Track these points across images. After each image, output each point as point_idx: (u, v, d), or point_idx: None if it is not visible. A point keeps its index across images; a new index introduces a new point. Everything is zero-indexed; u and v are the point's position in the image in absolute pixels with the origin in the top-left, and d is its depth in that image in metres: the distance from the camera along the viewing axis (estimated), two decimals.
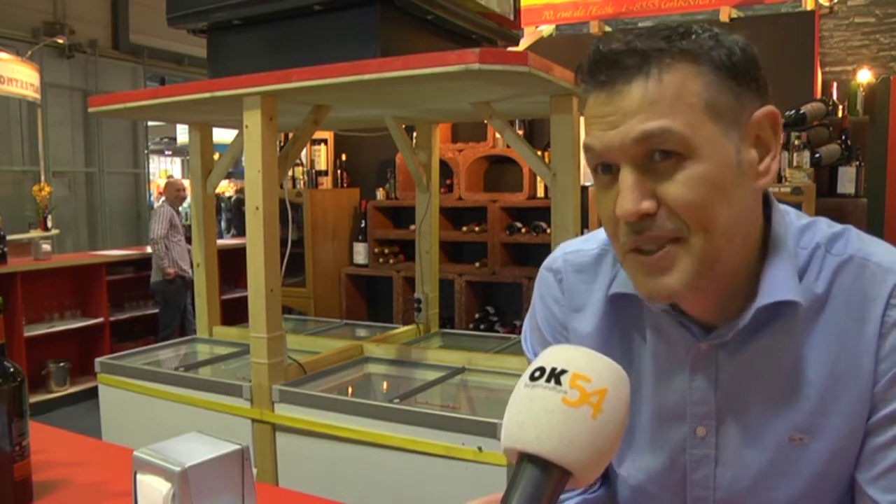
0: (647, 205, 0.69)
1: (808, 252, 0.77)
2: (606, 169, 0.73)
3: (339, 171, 4.94)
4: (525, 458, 0.55)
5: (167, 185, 5.58)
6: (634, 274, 0.74)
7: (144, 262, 5.50)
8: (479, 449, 1.82)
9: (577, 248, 0.91)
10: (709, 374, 0.79)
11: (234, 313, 4.09)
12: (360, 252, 4.65)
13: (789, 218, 0.79)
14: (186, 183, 6.20)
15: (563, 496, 0.88)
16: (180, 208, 5.52)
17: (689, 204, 0.68)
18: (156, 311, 5.48)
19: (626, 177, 0.70)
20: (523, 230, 4.18)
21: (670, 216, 0.69)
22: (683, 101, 0.68)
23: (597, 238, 0.90)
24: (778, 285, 0.74)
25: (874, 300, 0.73)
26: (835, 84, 4.82)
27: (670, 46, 0.70)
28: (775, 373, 0.76)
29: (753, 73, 0.72)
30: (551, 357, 0.59)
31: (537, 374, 0.58)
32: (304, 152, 4.72)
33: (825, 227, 0.79)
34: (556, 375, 0.57)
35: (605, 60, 0.71)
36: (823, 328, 0.75)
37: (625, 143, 0.69)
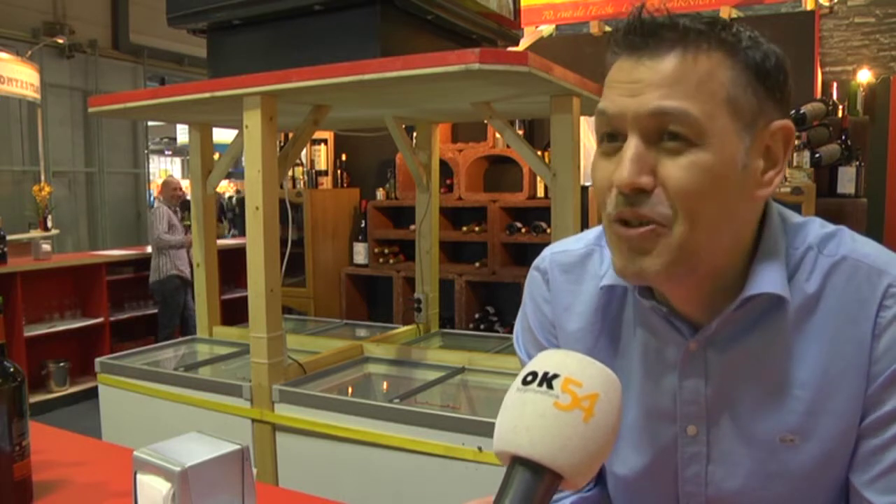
0: (646, 180, 0.69)
1: (800, 252, 0.77)
2: (612, 137, 0.72)
3: (339, 171, 4.94)
4: (517, 462, 0.56)
5: (163, 184, 5.55)
6: (615, 247, 0.74)
7: (144, 262, 5.50)
8: (479, 449, 1.82)
9: (564, 248, 0.92)
10: (699, 374, 0.79)
11: (234, 313, 4.09)
12: (360, 252, 4.65)
13: (782, 218, 0.80)
14: (185, 183, 6.19)
15: (557, 495, 0.89)
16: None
17: (685, 190, 0.68)
18: (156, 311, 5.48)
19: (632, 147, 0.69)
20: (523, 230, 4.18)
21: (664, 199, 0.69)
22: (707, 88, 0.68)
23: (585, 238, 0.91)
24: (765, 280, 0.74)
25: (867, 301, 0.73)
26: (835, 84, 4.81)
27: (711, 31, 0.70)
28: (766, 373, 0.76)
29: (781, 85, 0.72)
30: (543, 362, 0.59)
31: (529, 378, 0.58)
32: (304, 152, 4.72)
33: (818, 227, 0.79)
34: (547, 380, 0.57)
35: (643, 27, 0.71)
36: (815, 329, 0.75)
37: (639, 114, 0.69)
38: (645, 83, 0.69)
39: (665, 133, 0.69)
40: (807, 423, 0.75)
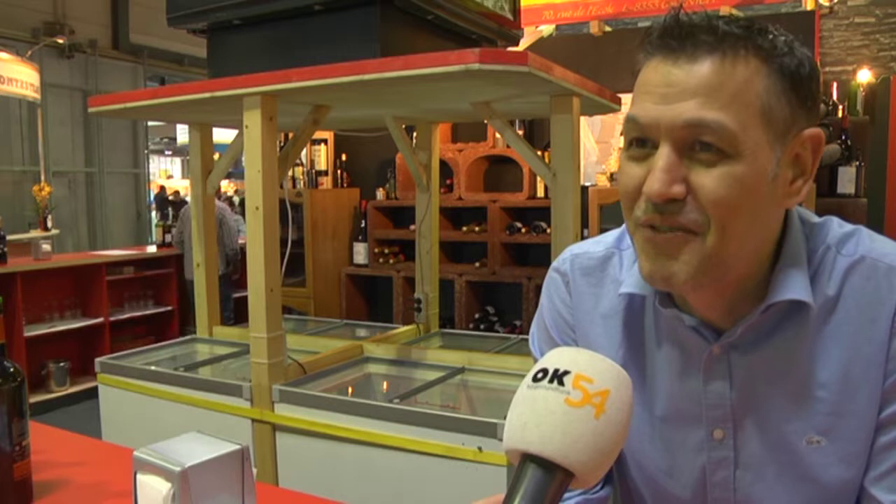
0: (678, 189, 0.68)
1: (819, 253, 0.76)
2: (641, 143, 0.71)
3: (339, 171, 4.94)
4: (528, 459, 0.55)
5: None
6: (642, 250, 0.74)
7: (144, 262, 5.52)
8: (479, 449, 1.82)
9: (584, 250, 0.91)
10: (723, 377, 0.78)
11: (234, 313, 4.10)
12: (360, 252, 4.65)
13: (801, 219, 0.79)
14: (183, 183, 6.27)
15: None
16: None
17: (720, 199, 0.68)
18: (155, 311, 5.63)
19: (663, 156, 0.69)
20: (523, 230, 4.18)
21: (696, 207, 0.68)
22: (743, 98, 0.67)
23: (605, 241, 0.90)
24: (788, 285, 0.73)
25: (885, 301, 0.73)
26: (835, 84, 4.80)
27: (748, 36, 0.68)
28: (789, 375, 0.76)
29: (813, 93, 0.71)
30: (554, 359, 0.59)
31: (540, 375, 0.58)
32: (304, 152, 4.72)
33: (836, 227, 0.79)
34: (558, 376, 0.57)
35: (680, 28, 0.69)
36: (836, 330, 0.74)
37: (674, 124, 0.68)
38: (680, 88, 0.68)
39: (697, 143, 0.68)
40: (832, 425, 0.74)
